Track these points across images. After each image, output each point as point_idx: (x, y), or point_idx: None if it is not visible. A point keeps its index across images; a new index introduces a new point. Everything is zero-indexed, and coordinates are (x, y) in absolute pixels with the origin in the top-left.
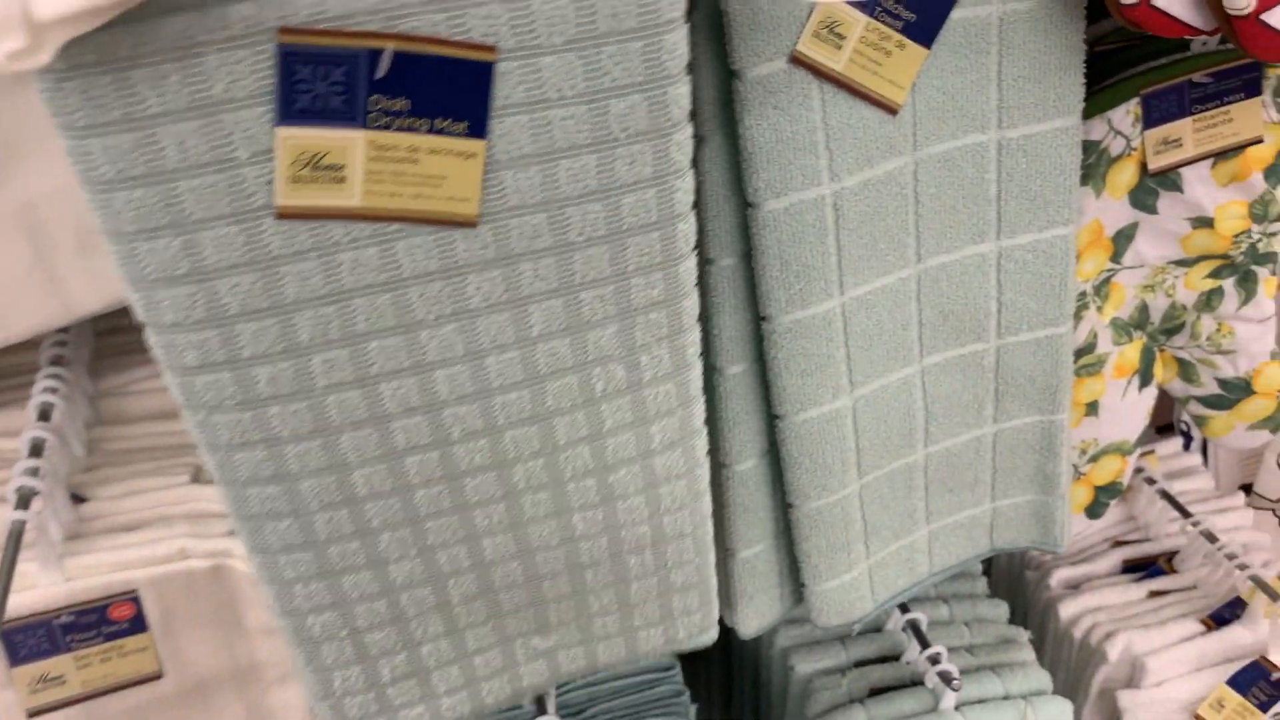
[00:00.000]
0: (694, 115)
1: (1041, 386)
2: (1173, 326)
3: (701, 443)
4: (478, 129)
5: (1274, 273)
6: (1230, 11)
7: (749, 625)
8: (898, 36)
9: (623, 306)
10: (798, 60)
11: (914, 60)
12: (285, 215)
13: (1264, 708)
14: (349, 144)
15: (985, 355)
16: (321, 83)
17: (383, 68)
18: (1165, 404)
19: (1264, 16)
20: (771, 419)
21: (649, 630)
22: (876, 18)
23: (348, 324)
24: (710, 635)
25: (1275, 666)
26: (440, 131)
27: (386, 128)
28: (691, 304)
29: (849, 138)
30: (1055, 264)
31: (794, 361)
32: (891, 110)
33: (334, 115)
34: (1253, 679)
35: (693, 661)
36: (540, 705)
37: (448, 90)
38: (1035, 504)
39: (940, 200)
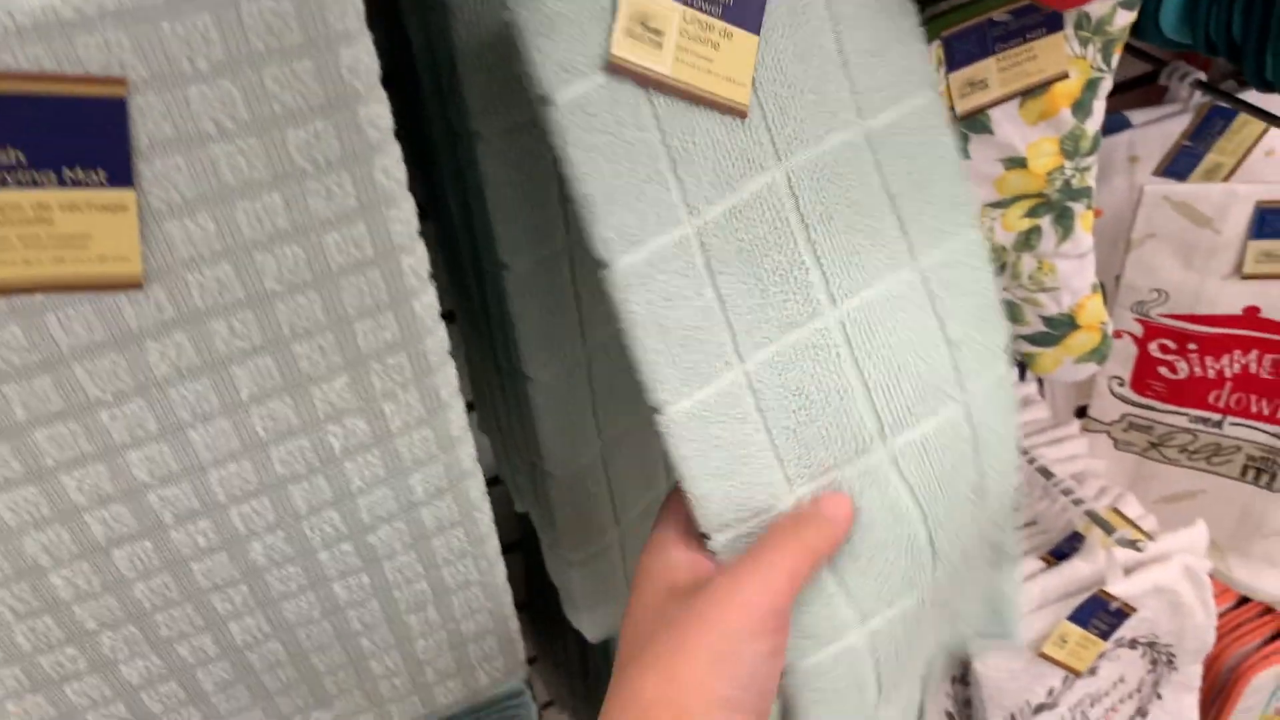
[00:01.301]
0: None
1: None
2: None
3: (476, 484)
4: (122, 177)
5: (1089, 207)
6: None
7: (595, 630)
8: (721, 24)
9: (350, 355)
10: (616, 67)
11: (747, 50)
12: None
13: (1105, 636)
14: None
15: (960, 421)
16: None
17: None
18: None
19: None
20: (597, 430)
21: (445, 684)
22: (693, 6)
23: (4, 414)
24: (517, 678)
25: (1113, 597)
26: (74, 184)
27: (1, 185)
28: (437, 340)
29: (698, 157)
30: (980, 274)
31: (708, 461)
32: (739, 113)
33: None
34: (1092, 611)
35: (555, 668)
36: None
37: (71, 135)
38: None
39: (831, 221)
